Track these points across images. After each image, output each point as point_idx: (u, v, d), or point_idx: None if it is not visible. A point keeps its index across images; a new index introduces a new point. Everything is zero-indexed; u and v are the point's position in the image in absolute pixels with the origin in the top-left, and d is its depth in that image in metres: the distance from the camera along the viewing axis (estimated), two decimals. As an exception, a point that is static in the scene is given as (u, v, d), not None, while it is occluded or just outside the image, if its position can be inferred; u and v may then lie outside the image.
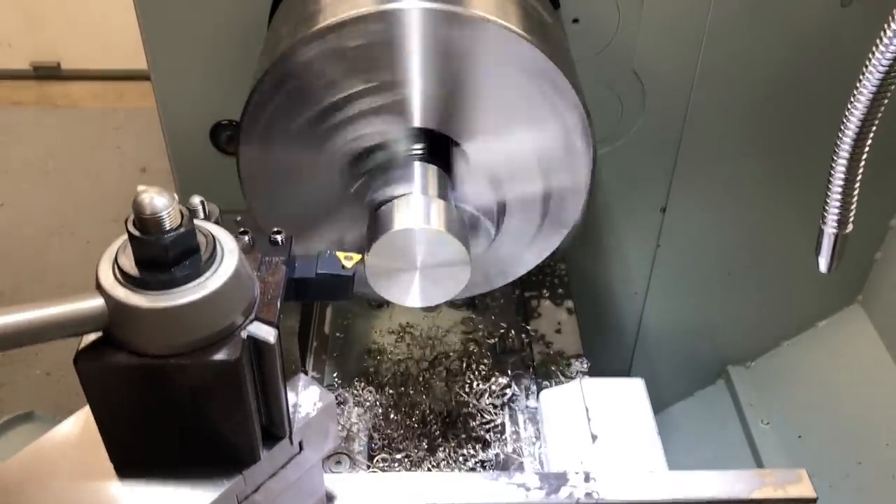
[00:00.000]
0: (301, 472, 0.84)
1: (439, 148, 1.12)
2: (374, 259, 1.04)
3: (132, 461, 0.76)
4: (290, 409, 0.81)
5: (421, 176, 1.11)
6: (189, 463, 0.75)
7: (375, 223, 1.06)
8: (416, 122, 1.09)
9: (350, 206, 1.15)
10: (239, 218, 1.48)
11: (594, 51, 1.39)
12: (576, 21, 1.36)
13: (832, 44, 1.42)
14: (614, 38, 1.38)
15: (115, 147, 3.91)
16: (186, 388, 0.70)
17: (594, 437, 1.19)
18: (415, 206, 1.05)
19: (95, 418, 0.73)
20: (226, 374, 0.70)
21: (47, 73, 4.29)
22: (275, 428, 0.78)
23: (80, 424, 0.81)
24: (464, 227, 1.08)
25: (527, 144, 1.11)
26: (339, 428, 1.28)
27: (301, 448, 0.83)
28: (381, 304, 1.50)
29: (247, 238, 0.81)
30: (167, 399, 0.71)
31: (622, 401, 1.25)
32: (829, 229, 1.13)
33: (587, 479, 1.04)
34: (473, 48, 1.03)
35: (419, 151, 1.12)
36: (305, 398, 0.84)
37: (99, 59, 4.21)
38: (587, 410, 1.23)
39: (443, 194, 1.09)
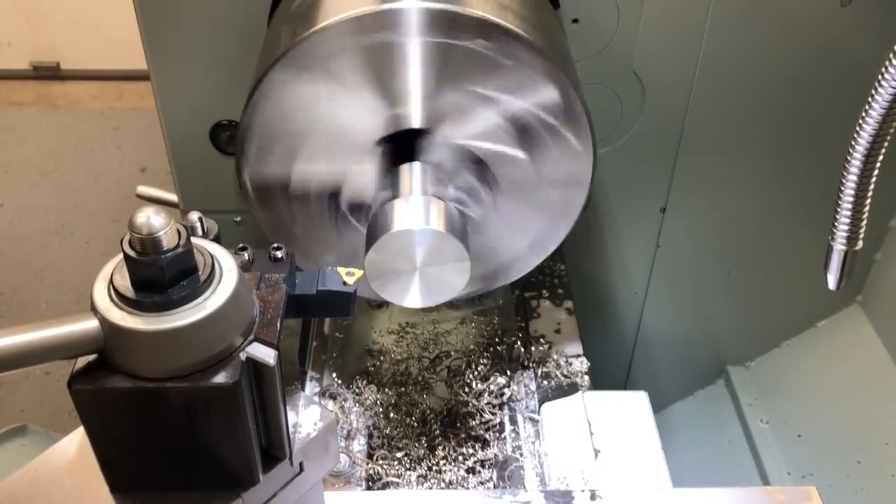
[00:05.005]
0: (301, 493, 0.82)
1: (428, 144, 1.12)
2: (373, 259, 1.04)
3: (128, 484, 0.74)
4: (290, 430, 0.78)
5: (420, 175, 1.11)
6: (186, 486, 0.74)
7: (375, 223, 1.06)
8: (416, 122, 1.09)
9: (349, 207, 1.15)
10: (238, 219, 1.50)
11: (594, 51, 1.39)
12: (576, 21, 1.36)
13: (832, 43, 1.42)
14: (614, 38, 1.38)
15: (115, 147, 3.91)
16: (184, 411, 0.68)
17: (597, 453, 1.17)
18: (414, 207, 1.05)
19: (91, 441, 0.71)
20: (224, 397, 0.68)
21: (47, 72, 4.29)
22: (274, 449, 0.76)
23: (74, 445, 0.80)
24: (464, 227, 1.08)
25: (526, 143, 1.11)
26: (340, 427, 1.28)
27: (301, 469, 0.81)
28: (381, 304, 1.50)
29: (246, 255, 0.79)
30: (164, 422, 0.69)
31: (625, 415, 1.23)
32: (839, 245, 1.08)
33: (593, 496, 1.02)
34: (473, 48, 1.03)
35: (408, 152, 1.11)
36: (306, 417, 0.82)
37: (98, 59, 4.21)
38: (589, 424, 1.21)
39: (440, 191, 1.09)
